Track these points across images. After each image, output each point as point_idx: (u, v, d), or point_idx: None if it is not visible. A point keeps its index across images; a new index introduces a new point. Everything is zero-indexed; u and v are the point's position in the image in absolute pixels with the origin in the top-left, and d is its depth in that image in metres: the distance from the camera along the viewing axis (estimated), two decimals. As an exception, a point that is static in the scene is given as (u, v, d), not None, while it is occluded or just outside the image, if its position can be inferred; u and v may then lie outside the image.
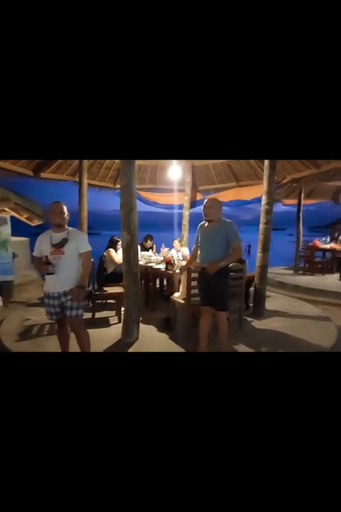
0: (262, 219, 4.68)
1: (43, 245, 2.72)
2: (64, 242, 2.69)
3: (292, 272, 8.34)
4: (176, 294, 3.96)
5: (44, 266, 2.63)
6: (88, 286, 4.52)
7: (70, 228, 2.80)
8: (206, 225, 3.10)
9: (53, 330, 3.50)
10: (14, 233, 7.54)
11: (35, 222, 7.88)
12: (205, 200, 3.08)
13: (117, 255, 4.89)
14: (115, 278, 4.63)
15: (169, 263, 4.49)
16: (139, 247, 5.93)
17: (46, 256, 2.65)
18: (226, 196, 7.29)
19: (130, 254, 3.58)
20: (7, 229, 5.39)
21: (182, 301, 3.70)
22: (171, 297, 4.02)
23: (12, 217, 7.50)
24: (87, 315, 4.28)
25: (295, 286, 6.79)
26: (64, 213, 2.74)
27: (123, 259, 3.65)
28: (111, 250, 4.94)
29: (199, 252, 3.16)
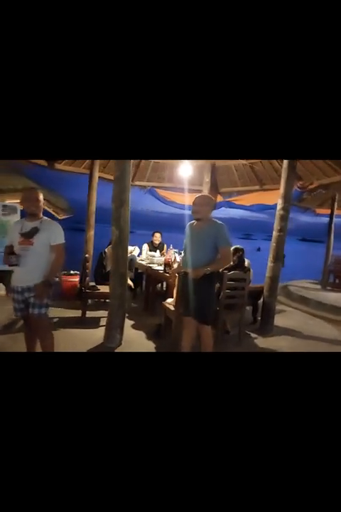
0: (276, 225, 4.21)
1: (14, 234, 2.53)
2: (34, 231, 2.48)
3: (319, 286, 7.61)
4: (169, 300, 3.61)
5: (6, 256, 2.42)
6: (80, 284, 4.33)
7: (45, 217, 2.60)
8: (194, 224, 2.73)
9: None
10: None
11: (62, 216, 7.86)
12: (195, 197, 2.71)
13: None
14: (114, 276, 4.38)
15: (167, 265, 4.13)
16: (147, 246, 5.69)
17: (11, 245, 2.46)
18: (248, 200, 6.82)
19: (118, 252, 3.31)
20: (16, 218, 5.34)
21: (172, 308, 3.34)
22: (163, 303, 3.67)
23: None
24: (77, 313, 4.10)
25: (318, 302, 6.11)
26: (39, 201, 2.55)
27: (112, 257, 3.38)
28: (113, 247, 4.70)
29: (183, 253, 2.80)
